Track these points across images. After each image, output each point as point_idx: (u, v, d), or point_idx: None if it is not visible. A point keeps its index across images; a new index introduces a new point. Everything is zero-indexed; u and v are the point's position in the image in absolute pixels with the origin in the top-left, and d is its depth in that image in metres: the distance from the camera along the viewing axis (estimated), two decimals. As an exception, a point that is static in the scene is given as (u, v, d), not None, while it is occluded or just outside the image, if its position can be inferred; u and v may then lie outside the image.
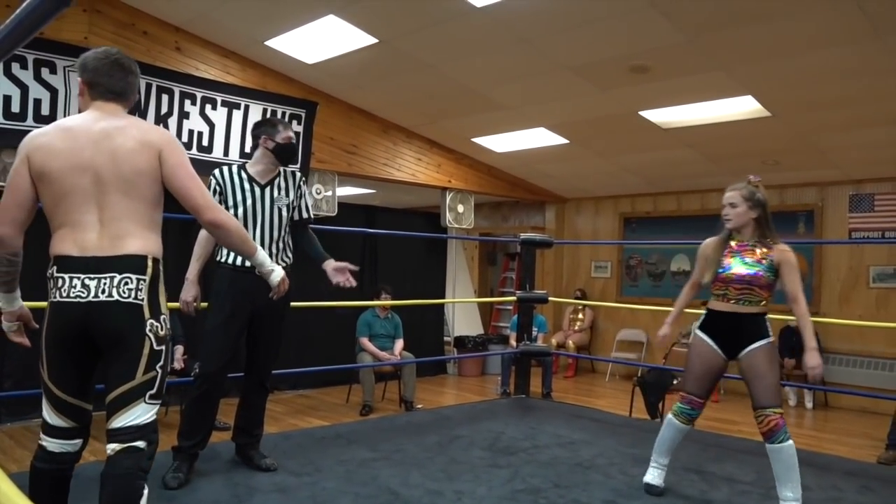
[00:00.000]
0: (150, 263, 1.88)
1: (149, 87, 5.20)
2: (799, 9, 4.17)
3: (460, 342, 8.80)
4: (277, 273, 2.33)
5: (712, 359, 2.77)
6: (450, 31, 5.02)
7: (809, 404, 7.10)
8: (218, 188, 2.91)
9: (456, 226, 8.31)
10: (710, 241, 2.87)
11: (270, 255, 2.88)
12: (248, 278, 2.79)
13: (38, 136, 1.92)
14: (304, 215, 3.07)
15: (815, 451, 3.98)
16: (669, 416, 2.90)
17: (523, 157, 7.99)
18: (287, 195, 2.98)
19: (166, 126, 5.29)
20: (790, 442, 2.61)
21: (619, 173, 8.18)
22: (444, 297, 8.77)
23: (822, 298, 7.38)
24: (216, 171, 2.97)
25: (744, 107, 5.71)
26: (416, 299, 6.23)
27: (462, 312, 9.30)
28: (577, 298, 8.99)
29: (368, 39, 5.25)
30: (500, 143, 7.56)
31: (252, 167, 2.99)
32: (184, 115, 5.46)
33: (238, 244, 2.10)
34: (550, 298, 5.64)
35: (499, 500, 2.75)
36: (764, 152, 6.78)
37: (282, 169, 3.02)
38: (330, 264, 3.03)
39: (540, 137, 7.15)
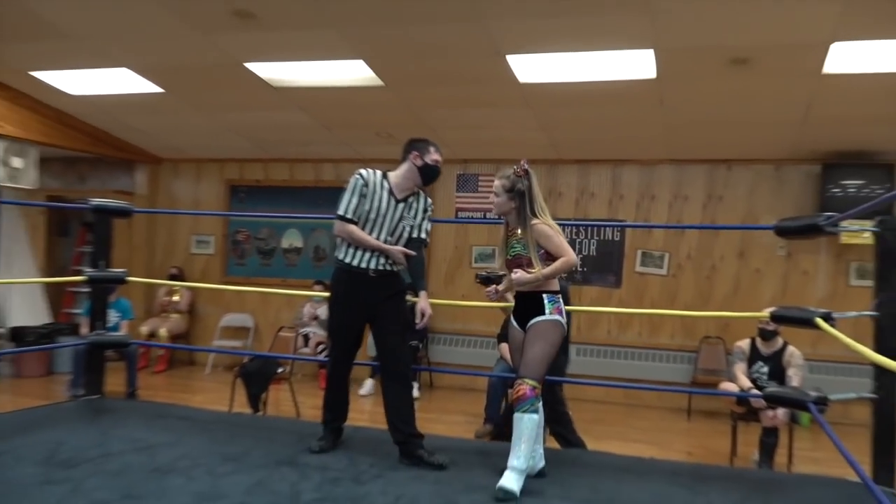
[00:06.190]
0: None
1: None
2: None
3: (18, 334, 7.72)
4: None
5: (519, 337, 3.21)
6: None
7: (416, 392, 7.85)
8: (364, 189, 3.35)
9: (11, 185, 7.20)
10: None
11: (383, 262, 3.40)
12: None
13: None
14: (423, 235, 3.51)
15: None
16: None
17: (106, 105, 7.26)
18: (415, 217, 3.46)
19: None
20: (533, 416, 2.98)
21: (223, 133, 7.96)
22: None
23: (430, 279, 8.23)
24: (363, 171, 3.39)
25: (356, 73, 5.99)
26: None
27: (21, 297, 8.16)
28: (171, 278, 8.54)
29: None
30: (75, 83, 6.72)
31: (394, 178, 3.43)
32: None
33: None
34: (135, 279, 5.20)
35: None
36: (377, 123, 7.24)
37: (420, 190, 3.48)
38: (422, 297, 3.37)
39: (127, 82, 6.55)
